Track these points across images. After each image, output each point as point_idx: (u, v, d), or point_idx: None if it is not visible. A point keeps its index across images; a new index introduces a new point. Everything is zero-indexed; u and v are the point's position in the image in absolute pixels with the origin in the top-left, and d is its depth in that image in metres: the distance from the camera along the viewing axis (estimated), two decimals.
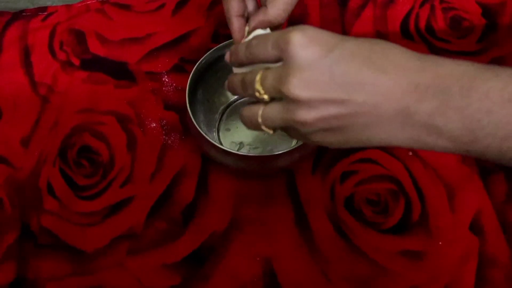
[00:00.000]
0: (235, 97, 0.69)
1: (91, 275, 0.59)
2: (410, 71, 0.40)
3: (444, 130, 0.39)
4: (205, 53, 0.63)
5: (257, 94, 0.45)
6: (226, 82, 0.51)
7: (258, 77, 0.44)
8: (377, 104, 0.40)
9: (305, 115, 0.41)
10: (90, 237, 0.62)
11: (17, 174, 0.66)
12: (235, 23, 0.53)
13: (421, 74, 0.39)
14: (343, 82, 0.40)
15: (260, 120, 0.46)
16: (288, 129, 0.46)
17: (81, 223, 0.62)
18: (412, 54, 0.41)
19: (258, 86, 0.44)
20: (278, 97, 0.44)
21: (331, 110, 0.41)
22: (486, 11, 0.77)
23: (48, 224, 0.62)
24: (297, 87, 0.41)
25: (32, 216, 0.63)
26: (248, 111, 0.47)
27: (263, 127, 0.46)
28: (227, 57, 0.51)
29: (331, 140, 0.43)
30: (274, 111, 0.44)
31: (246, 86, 0.47)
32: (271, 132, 0.46)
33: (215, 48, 0.64)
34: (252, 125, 0.47)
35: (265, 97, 0.44)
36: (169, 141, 0.67)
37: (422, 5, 0.78)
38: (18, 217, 0.63)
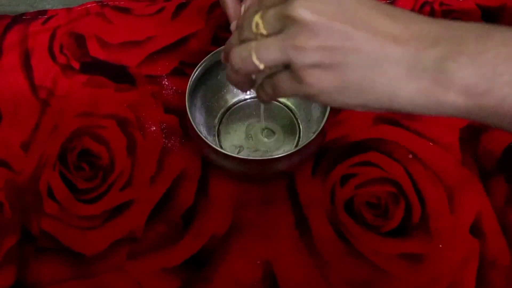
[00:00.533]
0: (235, 100, 0.69)
1: (91, 279, 0.59)
2: (421, 21, 0.38)
3: (456, 77, 0.36)
4: (205, 57, 0.63)
5: (254, 29, 0.41)
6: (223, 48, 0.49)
7: (259, 14, 0.41)
8: (383, 44, 0.37)
9: (306, 40, 0.38)
10: (90, 240, 0.62)
11: (17, 178, 0.66)
12: (230, 4, 0.52)
13: (432, 25, 0.38)
14: (351, 16, 0.38)
15: (253, 51, 0.41)
16: (280, 73, 0.42)
17: (81, 226, 0.62)
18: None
19: (257, 18, 0.41)
20: (278, 29, 0.40)
21: (335, 40, 0.38)
22: (486, 14, 0.77)
23: (48, 227, 0.62)
24: (302, 7, 0.38)
25: (32, 220, 0.63)
26: (240, 46, 0.43)
27: (254, 59, 0.41)
28: (232, 27, 0.50)
29: (327, 84, 0.39)
30: (272, 40, 0.41)
31: (243, 27, 0.43)
32: (261, 66, 0.42)
33: (215, 51, 0.64)
34: (241, 60, 0.43)
35: (263, 31, 0.41)
36: (169, 145, 0.67)
37: (421, 7, 0.78)
38: (18, 220, 0.63)
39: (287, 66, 0.41)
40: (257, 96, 0.48)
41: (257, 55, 0.41)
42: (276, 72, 0.42)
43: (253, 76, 0.47)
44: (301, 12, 0.38)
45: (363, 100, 0.40)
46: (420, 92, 0.38)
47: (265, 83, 0.45)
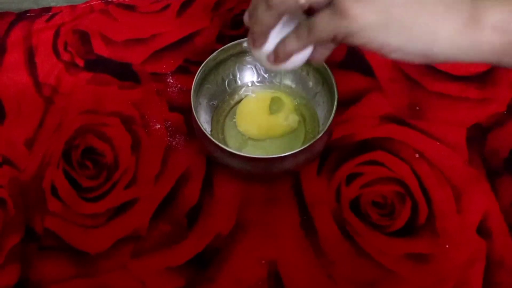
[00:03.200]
0: (241, 98, 0.69)
1: (94, 278, 0.59)
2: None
3: (490, 14, 0.38)
4: (210, 54, 0.63)
5: None
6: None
7: None
8: None
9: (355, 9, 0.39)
10: (94, 239, 0.61)
11: (21, 176, 0.66)
12: None
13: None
14: None
15: (314, 28, 0.42)
16: (320, 11, 0.42)
17: (85, 225, 0.62)
18: None
19: None
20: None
21: None
22: None
23: (52, 225, 0.62)
24: None
25: (36, 218, 0.63)
26: (291, 36, 0.44)
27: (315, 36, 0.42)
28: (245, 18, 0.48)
29: (370, 18, 0.40)
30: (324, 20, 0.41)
31: None
32: (302, 0, 0.41)
33: (220, 49, 0.63)
34: (301, 39, 0.44)
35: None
36: (174, 143, 0.67)
37: None
38: (21, 218, 0.63)
39: (328, 4, 0.41)
40: (282, 50, 0.46)
41: (317, 32, 0.42)
42: (315, 10, 0.42)
43: (276, 28, 0.46)
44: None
45: (404, 39, 0.40)
46: (458, 31, 0.39)
47: (301, 25, 0.44)
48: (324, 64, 0.61)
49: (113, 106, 0.70)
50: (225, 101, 0.69)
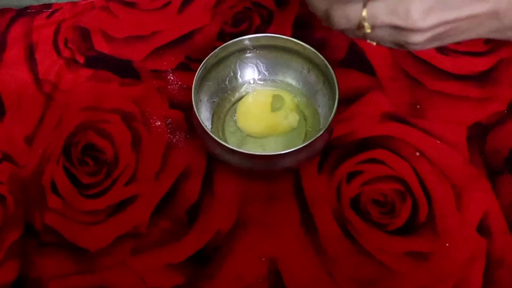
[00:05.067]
0: (241, 96, 0.69)
1: (94, 274, 0.59)
2: None
3: None
4: (211, 52, 0.63)
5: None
6: None
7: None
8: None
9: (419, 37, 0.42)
10: (94, 235, 0.61)
11: (20, 172, 0.66)
12: None
13: None
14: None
15: (364, 13, 0.42)
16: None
17: (85, 221, 0.62)
18: None
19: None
20: None
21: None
22: None
23: (52, 222, 0.62)
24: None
25: (36, 214, 0.63)
26: (343, 9, 0.43)
27: (365, 23, 0.42)
28: None
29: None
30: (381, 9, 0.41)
31: None
32: (368, 30, 0.42)
33: (220, 46, 0.63)
34: (348, 22, 0.43)
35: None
36: (174, 140, 0.67)
37: None
38: (21, 215, 0.63)
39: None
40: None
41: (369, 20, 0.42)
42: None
43: None
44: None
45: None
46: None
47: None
48: (326, 62, 0.61)
49: (114, 103, 0.70)
50: (225, 98, 0.69)
